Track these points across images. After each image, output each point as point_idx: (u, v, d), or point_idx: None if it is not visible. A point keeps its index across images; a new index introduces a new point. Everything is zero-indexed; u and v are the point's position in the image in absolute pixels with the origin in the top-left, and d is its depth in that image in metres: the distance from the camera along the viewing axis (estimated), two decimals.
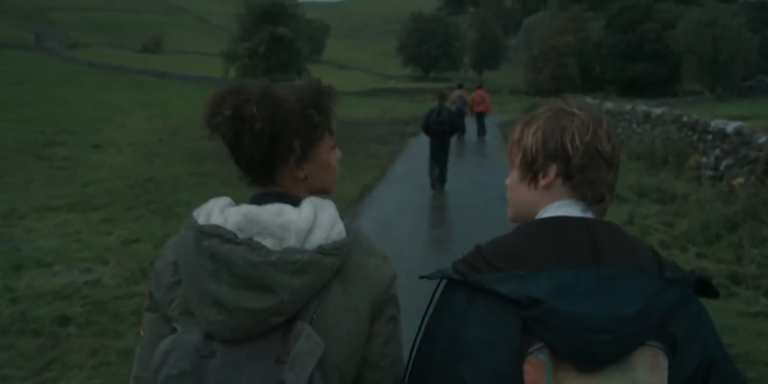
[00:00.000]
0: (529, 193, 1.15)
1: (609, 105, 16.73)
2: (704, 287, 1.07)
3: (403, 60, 71.00)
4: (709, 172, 9.32)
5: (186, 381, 1.03)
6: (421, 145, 15.64)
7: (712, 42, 54.82)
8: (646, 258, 1.05)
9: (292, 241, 1.08)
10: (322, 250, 1.08)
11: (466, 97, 18.10)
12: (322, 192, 1.25)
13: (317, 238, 1.09)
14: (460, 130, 15.86)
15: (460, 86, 19.21)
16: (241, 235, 1.07)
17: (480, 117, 18.67)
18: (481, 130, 18.70)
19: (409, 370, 1.15)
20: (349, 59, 78.28)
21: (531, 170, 1.14)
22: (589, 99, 20.19)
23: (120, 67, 42.53)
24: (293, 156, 1.17)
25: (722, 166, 9.01)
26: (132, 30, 73.06)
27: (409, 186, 10.67)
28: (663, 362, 0.99)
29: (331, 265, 1.09)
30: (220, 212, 1.12)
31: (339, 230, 1.12)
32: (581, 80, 58.14)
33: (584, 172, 1.10)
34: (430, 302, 1.13)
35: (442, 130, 9.98)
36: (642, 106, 13.93)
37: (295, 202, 1.16)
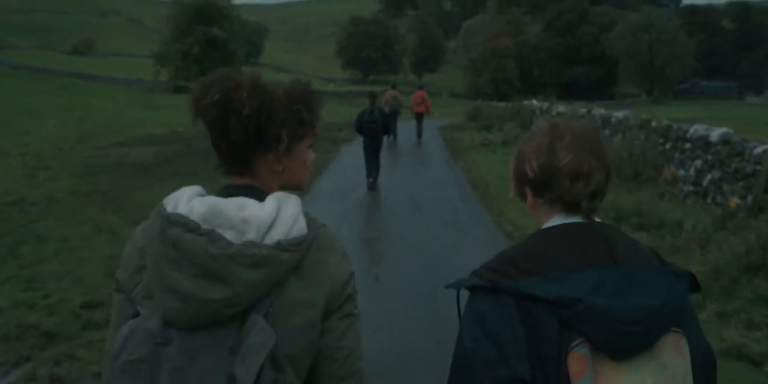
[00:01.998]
0: (532, 210, 1.26)
1: (561, 108, 15.27)
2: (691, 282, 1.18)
3: (342, 63, 69.03)
4: (690, 188, 7.87)
5: (142, 367, 1.03)
6: (352, 155, 13.83)
7: (649, 46, 55.38)
8: (649, 255, 1.15)
9: (252, 235, 1.07)
10: (280, 246, 1.07)
11: (400, 98, 17.05)
12: (294, 188, 1.25)
13: (277, 233, 1.08)
14: (393, 133, 16.42)
15: (393, 87, 18.40)
16: (204, 226, 1.06)
17: (419, 118, 18.31)
18: (419, 132, 18.29)
19: (453, 373, 1.14)
20: (289, 62, 75.80)
21: (520, 194, 1.26)
22: (535, 101, 18.90)
23: (46, 70, 40.19)
24: (282, 145, 1.16)
25: (706, 181, 7.57)
26: (62, 32, 69.77)
27: (334, 207, 8.85)
28: (684, 345, 1.10)
29: (288, 261, 1.09)
30: (186, 201, 1.11)
31: (300, 226, 1.12)
32: (520, 83, 57.79)
33: (551, 189, 1.17)
34: (459, 310, 1.18)
35: (375, 129, 10.48)
36: (600, 110, 12.36)
37: (264, 195, 1.15)
